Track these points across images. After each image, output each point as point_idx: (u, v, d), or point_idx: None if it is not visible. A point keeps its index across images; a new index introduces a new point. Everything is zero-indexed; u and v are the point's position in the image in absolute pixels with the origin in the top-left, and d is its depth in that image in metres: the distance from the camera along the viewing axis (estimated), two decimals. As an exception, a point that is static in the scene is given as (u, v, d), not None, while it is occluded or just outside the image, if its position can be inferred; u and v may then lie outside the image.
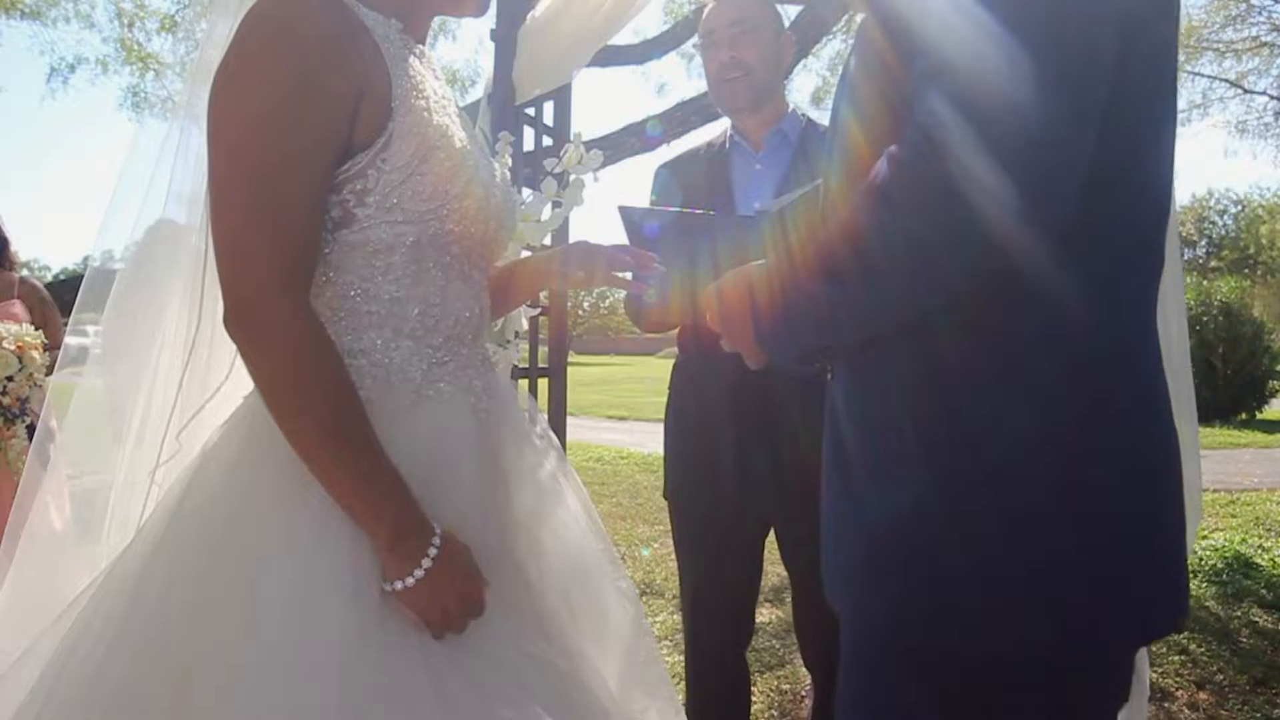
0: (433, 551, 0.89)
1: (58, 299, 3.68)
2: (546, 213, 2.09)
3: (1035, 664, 0.79)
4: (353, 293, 0.97)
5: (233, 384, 1.07)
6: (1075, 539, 0.77)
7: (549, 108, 2.60)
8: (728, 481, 1.84)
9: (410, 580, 0.88)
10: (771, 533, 1.99)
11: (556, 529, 1.12)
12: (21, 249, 3.51)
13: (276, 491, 0.89)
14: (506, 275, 1.27)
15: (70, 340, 1.50)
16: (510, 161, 2.07)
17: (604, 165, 2.23)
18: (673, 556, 4.74)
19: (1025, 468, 0.78)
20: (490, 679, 0.90)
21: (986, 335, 0.80)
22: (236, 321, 0.88)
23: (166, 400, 1.15)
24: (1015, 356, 0.80)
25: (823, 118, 1.97)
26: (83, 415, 1.33)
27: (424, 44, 1.10)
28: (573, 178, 2.05)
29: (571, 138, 2.47)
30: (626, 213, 1.33)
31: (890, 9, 0.83)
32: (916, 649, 0.83)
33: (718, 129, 2.03)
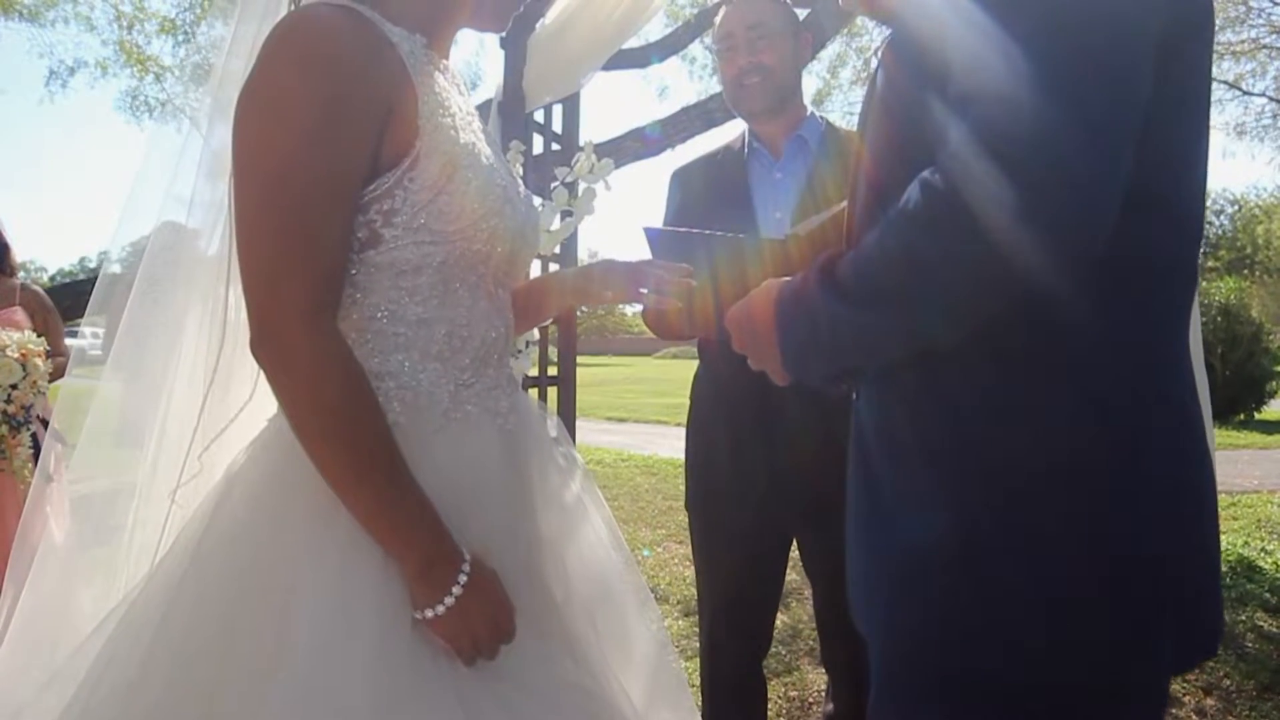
0: (462, 579, 0.88)
1: (55, 304, 3.67)
2: (556, 222, 2.08)
3: (1064, 692, 0.79)
4: (380, 314, 0.96)
5: (255, 405, 1.06)
6: (1100, 572, 0.76)
7: (557, 114, 2.59)
8: (751, 492, 1.83)
9: (440, 609, 0.87)
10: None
11: (581, 548, 1.11)
12: (18, 250, 3.50)
13: (304, 518, 0.88)
14: (532, 292, 1.25)
15: (77, 344, 1.49)
16: (522, 170, 2.06)
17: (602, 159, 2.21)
18: (676, 560, 4.77)
19: (1053, 500, 0.77)
20: (521, 704, 0.89)
21: (1015, 365, 0.80)
22: (263, 346, 0.87)
23: (185, 418, 1.14)
24: (1043, 388, 0.79)
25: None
26: (88, 419, 1.31)
27: (447, 58, 1.09)
28: (583, 186, 2.04)
29: (580, 144, 2.47)
30: (651, 233, 1.32)
31: (921, 33, 0.83)
32: (949, 674, 0.83)
33: (718, 134, 2.01)
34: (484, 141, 1.05)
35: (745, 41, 1.81)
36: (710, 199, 1.89)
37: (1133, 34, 0.72)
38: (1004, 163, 0.68)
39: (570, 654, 1.01)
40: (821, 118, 1.93)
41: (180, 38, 7.10)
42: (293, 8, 1.06)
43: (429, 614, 0.87)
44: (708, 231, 1.36)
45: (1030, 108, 0.68)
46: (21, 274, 3.49)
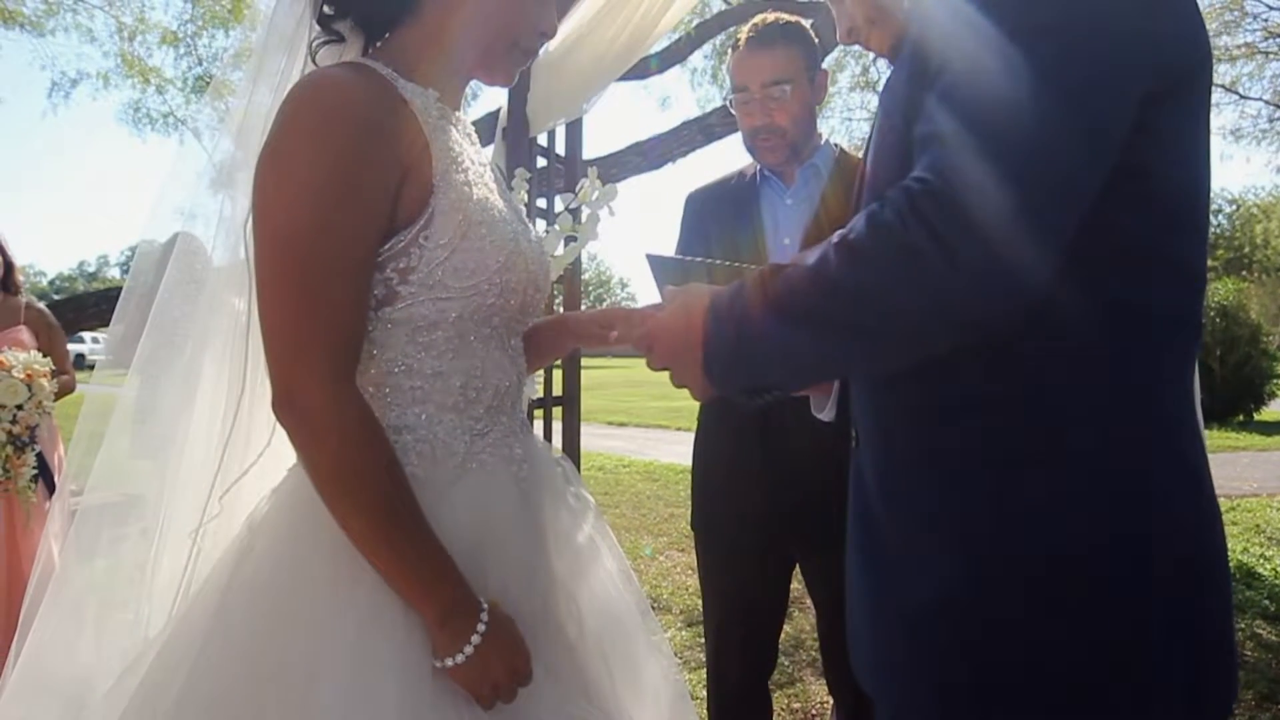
0: (481, 628, 0.91)
1: (57, 318, 3.68)
2: (560, 248, 2.10)
3: None
4: (397, 369, 0.98)
5: (273, 448, 1.08)
6: (1121, 629, 0.77)
7: (560, 135, 2.61)
8: (752, 514, 1.86)
9: (460, 657, 0.89)
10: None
11: (593, 587, 1.13)
12: (18, 254, 3.51)
13: (327, 571, 0.91)
14: (542, 334, 1.26)
15: (78, 349, 1.47)
16: (526, 198, 2.08)
17: (607, 184, 2.23)
18: (678, 569, 4.78)
19: (1068, 556, 0.78)
20: None
21: (1017, 416, 0.81)
22: (286, 410, 0.89)
23: (206, 459, 1.16)
24: (1046, 441, 0.80)
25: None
26: (97, 425, 1.31)
27: (459, 109, 1.11)
28: (587, 212, 2.06)
29: (583, 165, 2.49)
30: (653, 260, 1.34)
31: (923, 45, 0.83)
32: None
33: (719, 148, 2.02)
34: (496, 194, 1.07)
35: (760, 100, 1.81)
36: (722, 224, 1.92)
37: (1126, 73, 0.74)
38: (965, 195, 0.70)
39: (584, 693, 1.04)
40: (835, 144, 1.95)
41: (182, 50, 7.15)
42: (310, 60, 1.08)
43: (449, 662, 0.90)
44: (708, 260, 1.38)
45: (1006, 143, 0.70)
46: (20, 278, 3.50)
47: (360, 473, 0.89)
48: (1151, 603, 0.77)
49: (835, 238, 0.78)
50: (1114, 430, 0.79)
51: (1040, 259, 0.71)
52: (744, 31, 1.86)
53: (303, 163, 0.90)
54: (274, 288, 0.90)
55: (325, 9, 1.06)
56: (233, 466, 1.12)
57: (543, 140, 2.51)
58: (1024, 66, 0.71)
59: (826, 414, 1.24)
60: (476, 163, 1.06)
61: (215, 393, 1.22)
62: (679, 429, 11.42)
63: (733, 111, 1.88)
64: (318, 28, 1.07)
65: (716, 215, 1.94)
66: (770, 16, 1.85)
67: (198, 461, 1.21)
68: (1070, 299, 0.77)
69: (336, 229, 0.89)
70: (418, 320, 0.97)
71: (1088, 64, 0.72)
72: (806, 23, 1.89)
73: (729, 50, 1.94)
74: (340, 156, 0.90)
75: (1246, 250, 34.23)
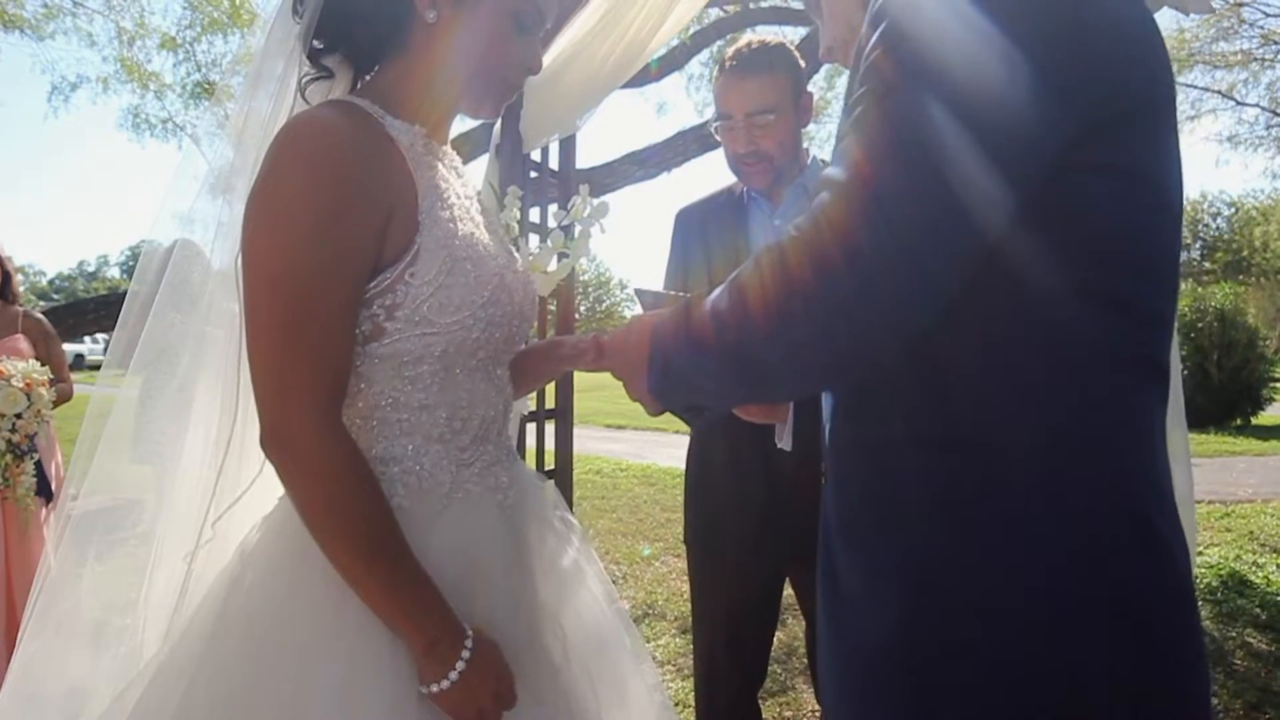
0: (466, 654, 0.93)
1: (59, 322, 3.71)
2: (553, 264, 2.12)
3: None
4: (384, 402, 1.01)
5: (264, 477, 1.10)
6: (1077, 675, 0.75)
7: (553, 148, 2.63)
8: (746, 529, 1.87)
9: (445, 684, 0.92)
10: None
11: (578, 609, 1.16)
12: (17, 254, 3.54)
13: (316, 602, 0.93)
14: (533, 359, 1.27)
15: (77, 349, 1.46)
16: (518, 214, 2.11)
17: (604, 194, 2.26)
18: (674, 575, 4.78)
19: (1023, 600, 0.77)
20: None
21: (980, 459, 0.80)
22: (274, 446, 0.92)
23: (200, 482, 1.18)
24: (1009, 484, 0.79)
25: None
26: (100, 427, 1.33)
27: (446, 144, 1.14)
28: (579, 229, 2.08)
29: (577, 177, 2.51)
30: (643, 294, 1.36)
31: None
32: None
33: (714, 158, 2.03)
34: (481, 228, 1.09)
35: (744, 128, 1.82)
36: (710, 243, 1.94)
37: (1040, 123, 0.73)
38: (832, 242, 0.72)
39: (570, 716, 1.06)
40: (823, 161, 1.95)
41: (181, 55, 7.18)
42: (299, 93, 1.10)
43: (435, 689, 0.92)
44: (693, 294, 1.40)
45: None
46: (20, 277, 3.53)
47: (347, 509, 0.91)
48: (1106, 647, 0.76)
49: (734, 273, 0.82)
50: (1065, 475, 0.78)
51: (910, 308, 0.73)
52: (727, 55, 1.87)
53: (291, 204, 0.92)
54: (262, 328, 0.92)
55: (315, 44, 1.08)
56: (226, 487, 1.14)
57: (535, 154, 2.52)
58: (934, 109, 0.71)
59: (785, 443, 1.27)
60: (462, 196, 1.09)
61: (209, 416, 1.24)
62: (676, 432, 11.43)
63: (717, 138, 1.89)
64: (307, 64, 1.09)
65: (709, 234, 1.96)
66: (755, 41, 1.85)
67: (191, 482, 1.23)
68: (1020, 339, 0.78)
69: (324, 270, 0.92)
70: (404, 355, 0.99)
71: (995, 110, 0.71)
72: (798, 36, 1.91)
73: (718, 67, 1.95)
74: (328, 199, 0.92)
75: (1245, 254, 34.18)
